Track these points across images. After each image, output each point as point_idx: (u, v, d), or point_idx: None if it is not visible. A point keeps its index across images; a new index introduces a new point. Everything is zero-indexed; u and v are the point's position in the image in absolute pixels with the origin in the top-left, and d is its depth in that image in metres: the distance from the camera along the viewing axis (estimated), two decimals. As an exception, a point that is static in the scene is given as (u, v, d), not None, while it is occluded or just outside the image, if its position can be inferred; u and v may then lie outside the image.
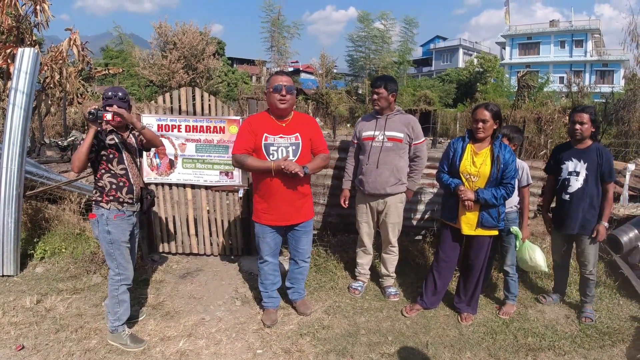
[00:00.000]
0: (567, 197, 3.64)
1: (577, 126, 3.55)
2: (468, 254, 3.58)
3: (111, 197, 3.09)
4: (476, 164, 3.35)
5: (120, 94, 3.09)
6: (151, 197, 3.41)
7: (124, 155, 3.14)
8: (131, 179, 3.16)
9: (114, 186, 3.10)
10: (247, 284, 4.21)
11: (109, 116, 2.88)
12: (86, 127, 13.86)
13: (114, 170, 3.11)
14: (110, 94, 3.08)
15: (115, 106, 2.97)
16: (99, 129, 2.95)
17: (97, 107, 2.92)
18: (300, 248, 3.54)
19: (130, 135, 3.25)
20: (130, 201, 3.17)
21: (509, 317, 3.69)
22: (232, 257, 4.82)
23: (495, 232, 3.48)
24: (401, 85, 35.35)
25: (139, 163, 3.31)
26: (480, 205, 3.33)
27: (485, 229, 3.41)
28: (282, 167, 3.08)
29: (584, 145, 3.59)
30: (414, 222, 4.83)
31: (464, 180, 3.38)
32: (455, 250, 3.61)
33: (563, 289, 4.02)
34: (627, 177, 6.11)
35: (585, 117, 3.52)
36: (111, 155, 3.09)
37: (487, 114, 3.29)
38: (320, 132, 3.45)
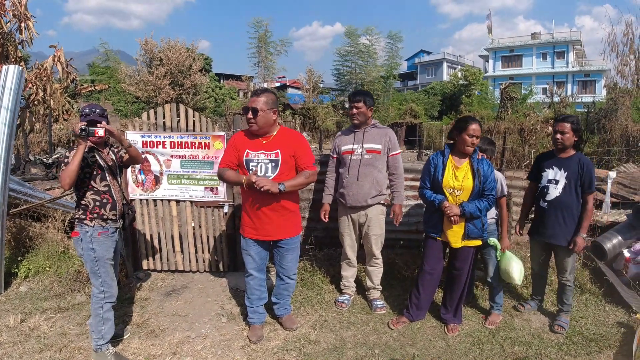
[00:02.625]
0: (544, 204, 3.67)
1: (559, 135, 3.56)
2: (453, 265, 3.60)
3: (95, 215, 3.07)
4: (458, 178, 3.37)
5: (98, 110, 3.09)
6: (132, 213, 3.41)
7: (105, 172, 3.14)
8: (114, 195, 3.16)
9: (97, 203, 3.08)
10: (233, 300, 4.18)
11: (100, 132, 2.90)
12: (72, 144, 13.74)
13: (96, 188, 3.10)
14: (87, 110, 3.07)
15: (104, 122, 2.99)
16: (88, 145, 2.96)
17: (84, 124, 2.91)
18: (285, 264, 3.51)
19: (110, 152, 3.25)
20: (114, 217, 3.16)
21: (495, 327, 3.70)
22: (219, 273, 4.79)
23: (479, 242, 3.51)
24: (387, 99, 35.63)
25: (119, 179, 3.31)
26: (466, 218, 3.37)
27: (470, 240, 3.44)
28: (253, 181, 3.02)
29: (567, 154, 3.60)
30: (399, 235, 4.84)
31: (447, 194, 3.40)
32: (439, 262, 3.62)
33: (541, 295, 4.04)
34: (609, 184, 6.23)
35: (567, 126, 3.52)
36: (94, 173, 3.09)
37: (479, 131, 3.32)
38: (306, 148, 3.35)
